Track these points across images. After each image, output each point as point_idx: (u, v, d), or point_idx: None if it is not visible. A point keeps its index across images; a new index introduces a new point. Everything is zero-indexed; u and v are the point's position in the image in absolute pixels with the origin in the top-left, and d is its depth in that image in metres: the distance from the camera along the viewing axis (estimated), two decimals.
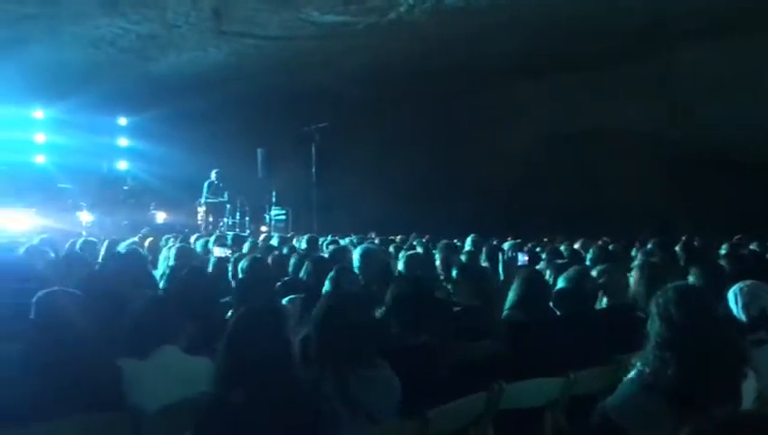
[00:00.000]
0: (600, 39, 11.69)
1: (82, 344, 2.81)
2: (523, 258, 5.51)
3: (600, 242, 8.12)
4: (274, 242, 8.98)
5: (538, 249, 7.51)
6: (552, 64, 13.31)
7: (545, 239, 10.37)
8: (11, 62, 11.32)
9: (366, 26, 10.93)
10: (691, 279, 4.23)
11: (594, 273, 4.21)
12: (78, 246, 7.09)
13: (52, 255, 6.14)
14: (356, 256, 4.97)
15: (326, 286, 4.11)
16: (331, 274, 4.14)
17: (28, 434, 2.47)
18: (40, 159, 15.62)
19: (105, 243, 7.39)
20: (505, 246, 7.44)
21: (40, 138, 15.64)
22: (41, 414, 2.49)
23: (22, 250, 6.48)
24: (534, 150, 14.91)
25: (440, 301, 3.90)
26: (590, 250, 6.50)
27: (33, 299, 2.96)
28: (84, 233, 11.18)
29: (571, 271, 4.18)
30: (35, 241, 7.47)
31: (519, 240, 8.41)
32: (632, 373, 2.61)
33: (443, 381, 2.95)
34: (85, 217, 13.60)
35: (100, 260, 6.51)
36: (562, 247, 7.15)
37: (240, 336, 2.48)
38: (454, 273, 4.53)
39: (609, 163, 13.67)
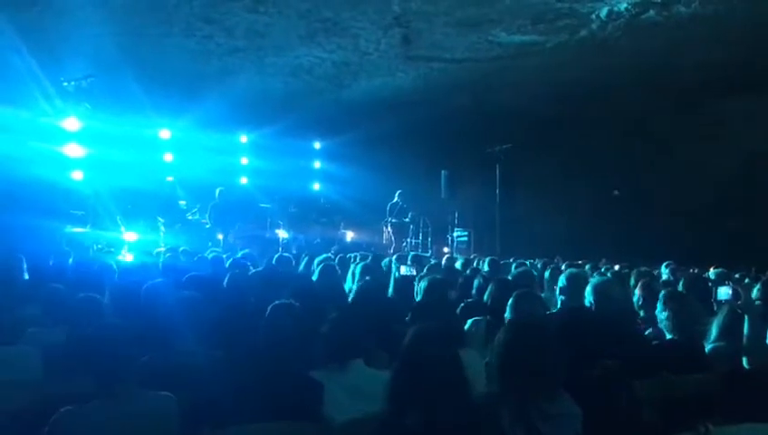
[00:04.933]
0: None
1: (294, 353, 2.97)
2: (727, 292, 4.95)
3: None
4: (457, 265, 8.96)
5: (747, 280, 6.79)
6: (763, 78, 12.11)
7: (753, 269, 9.37)
8: (221, 92, 12.46)
9: (555, 45, 10.67)
10: None
11: None
12: (274, 260, 7.58)
13: (252, 269, 6.63)
14: (563, 279, 4.80)
15: (507, 312, 3.99)
16: (510, 300, 4.01)
17: None
18: (244, 181, 17.00)
19: (304, 259, 7.84)
20: (710, 275, 6.80)
21: (244, 161, 17.05)
22: (244, 418, 2.64)
23: (227, 264, 7.12)
24: (738, 171, 13.64)
25: (623, 332, 3.66)
26: None
27: (269, 307, 3.15)
28: (281, 249, 11.98)
29: None
30: (238, 256, 8.14)
31: (722, 270, 7.65)
32: None
33: (635, 416, 2.75)
34: (282, 234, 14.56)
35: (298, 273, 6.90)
36: None
37: (412, 356, 2.45)
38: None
39: None
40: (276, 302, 3.21)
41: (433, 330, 2.58)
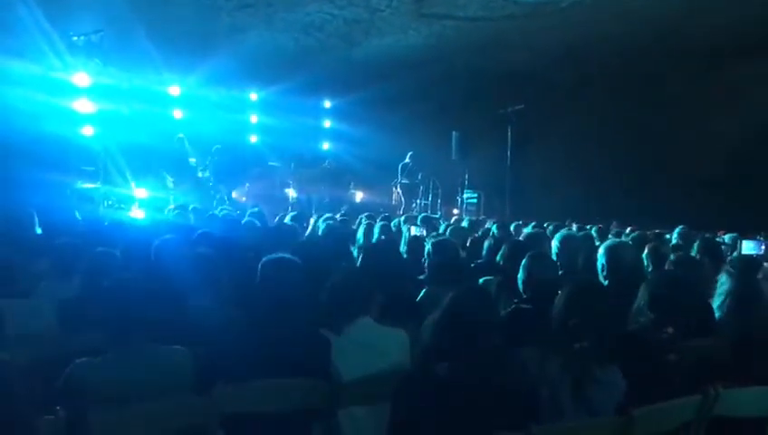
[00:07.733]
0: None
1: (298, 311, 2.97)
2: (758, 247, 4.77)
3: None
4: (465, 224, 8.95)
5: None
6: None
7: (760, 236, 9.30)
8: (231, 48, 12.30)
9: (570, 4, 10.44)
10: None
11: None
12: (288, 219, 7.59)
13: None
14: (555, 242, 4.77)
15: (520, 273, 3.98)
16: (524, 260, 3.99)
17: (240, 391, 2.63)
18: (253, 139, 16.91)
19: (313, 218, 7.85)
20: (725, 238, 6.73)
21: (254, 119, 16.93)
22: (254, 373, 2.66)
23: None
24: (754, 138, 13.43)
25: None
26: None
27: (260, 264, 3.11)
28: (290, 208, 11.99)
29: None
30: (247, 214, 8.14)
31: (735, 234, 7.56)
32: None
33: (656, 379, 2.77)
34: (291, 193, 14.56)
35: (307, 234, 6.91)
36: None
37: (457, 313, 2.55)
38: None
39: None
40: (276, 257, 3.17)
41: (479, 289, 2.70)
